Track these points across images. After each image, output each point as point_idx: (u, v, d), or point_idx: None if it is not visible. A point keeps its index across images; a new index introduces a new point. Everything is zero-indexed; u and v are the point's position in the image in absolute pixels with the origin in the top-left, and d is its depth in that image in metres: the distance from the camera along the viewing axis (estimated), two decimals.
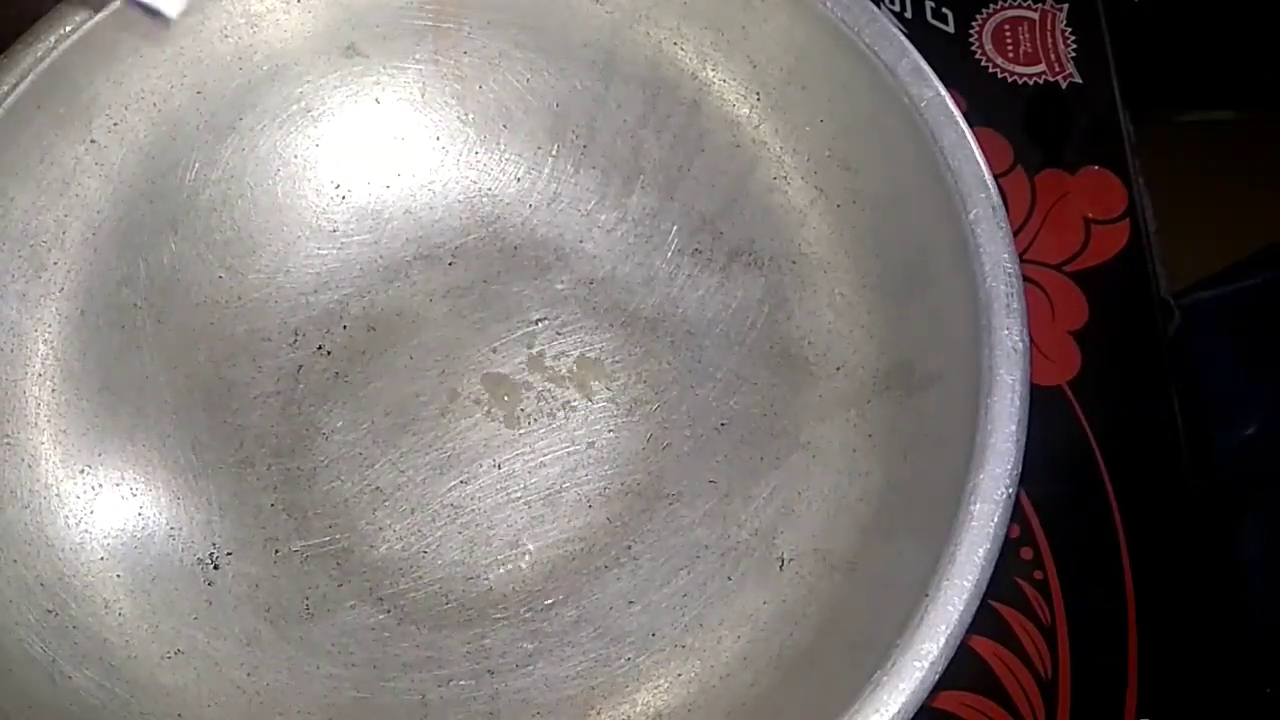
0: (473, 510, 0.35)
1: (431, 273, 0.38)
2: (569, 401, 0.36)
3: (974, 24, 0.45)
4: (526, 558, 0.34)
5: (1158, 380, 0.39)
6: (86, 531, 0.32)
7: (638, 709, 0.31)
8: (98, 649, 0.31)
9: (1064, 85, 0.44)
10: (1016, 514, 0.30)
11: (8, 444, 0.32)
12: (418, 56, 0.37)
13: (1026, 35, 0.45)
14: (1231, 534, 0.44)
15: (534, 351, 0.37)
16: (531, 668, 0.32)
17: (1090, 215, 0.41)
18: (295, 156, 0.37)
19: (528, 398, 0.36)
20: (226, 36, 0.35)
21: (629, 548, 0.34)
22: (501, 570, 0.34)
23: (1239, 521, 0.45)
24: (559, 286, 0.38)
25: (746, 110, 0.36)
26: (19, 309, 0.33)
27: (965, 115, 0.31)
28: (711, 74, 0.36)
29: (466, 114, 0.38)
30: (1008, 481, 0.27)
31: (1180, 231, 0.48)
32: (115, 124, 0.34)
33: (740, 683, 0.31)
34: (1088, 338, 0.39)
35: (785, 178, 0.36)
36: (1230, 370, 0.47)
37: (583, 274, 0.38)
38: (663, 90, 0.36)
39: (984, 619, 0.30)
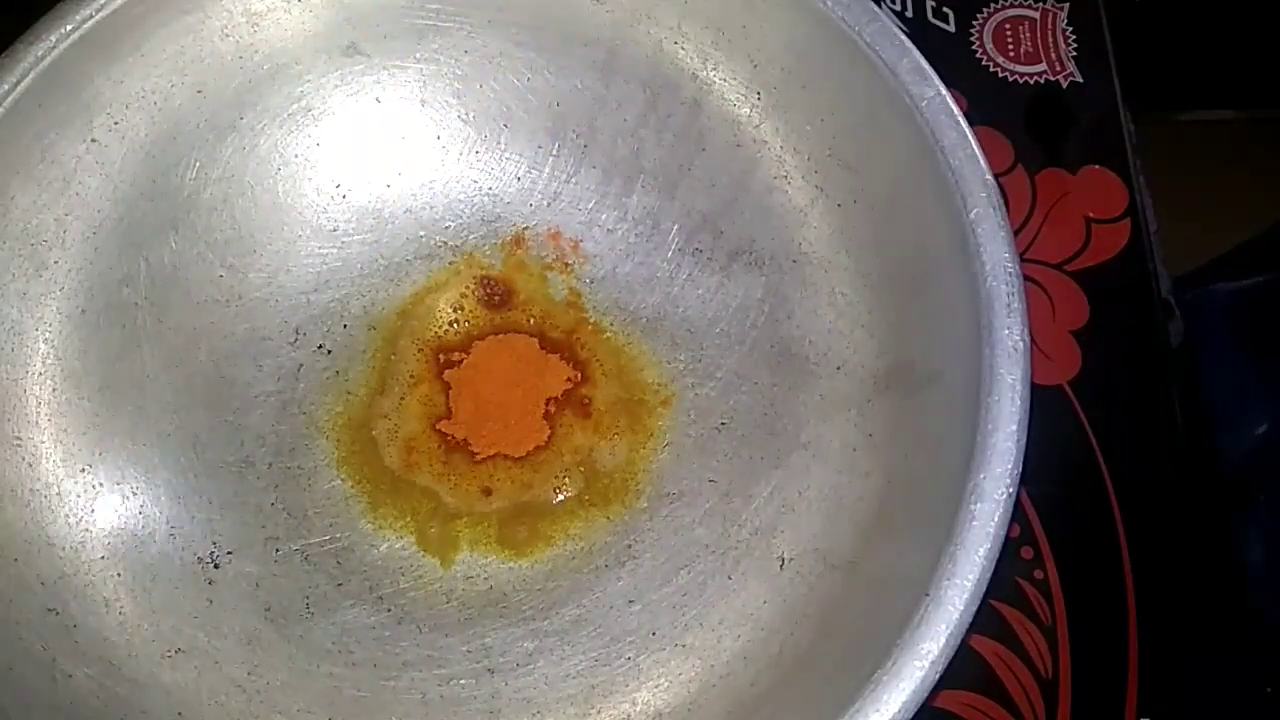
0: None
1: (432, 272, 0.38)
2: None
3: (975, 23, 0.45)
4: (527, 557, 0.34)
5: (1158, 380, 0.39)
6: (87, 530, 0.32)
7: (638, 708, 0.31)
8: (98, 648, 0.31)
9: (1065, 85, 0.44)
10: (1017, 514, 0.30)
11: (8, 443, 0.32)
12: (418, 56, 0.37)
13: (1027, 34, 0.45)
14: (1232, 533, 0.44)
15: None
16: (532, 667, 0.32)
17: (1091, 215, 0.41)
18: (296, 156, 0.37)
19: None
20: (227, 35, 0.35)
21: (629, 547, 0.34)
22: (501, 569, 0.34)
23: (1241, 521, 0.45)
24: (558, 285, 0.38)
25: (747, 110, 0.36)
26: (20, 308, 0.33)
27: (966, 115, 0.31)
28: (712, 73, 0.36)
29: (467, 113, 0.38)
30: (1008, 481, 0.27)
31: (1181, 231, 0.48)
32: (116, 123, 0.34)
33: (740, 682, 0.31)
34: (1088, 337, 0.39)
35: (786, 177, 0.36)
36: (1240, 368, 0.47)
37: (583, 273, 0.38)
38: (663, 90, 0.36)
39: (984, 618, 0.30)
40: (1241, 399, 0.46)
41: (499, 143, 0.38)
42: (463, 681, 0.32)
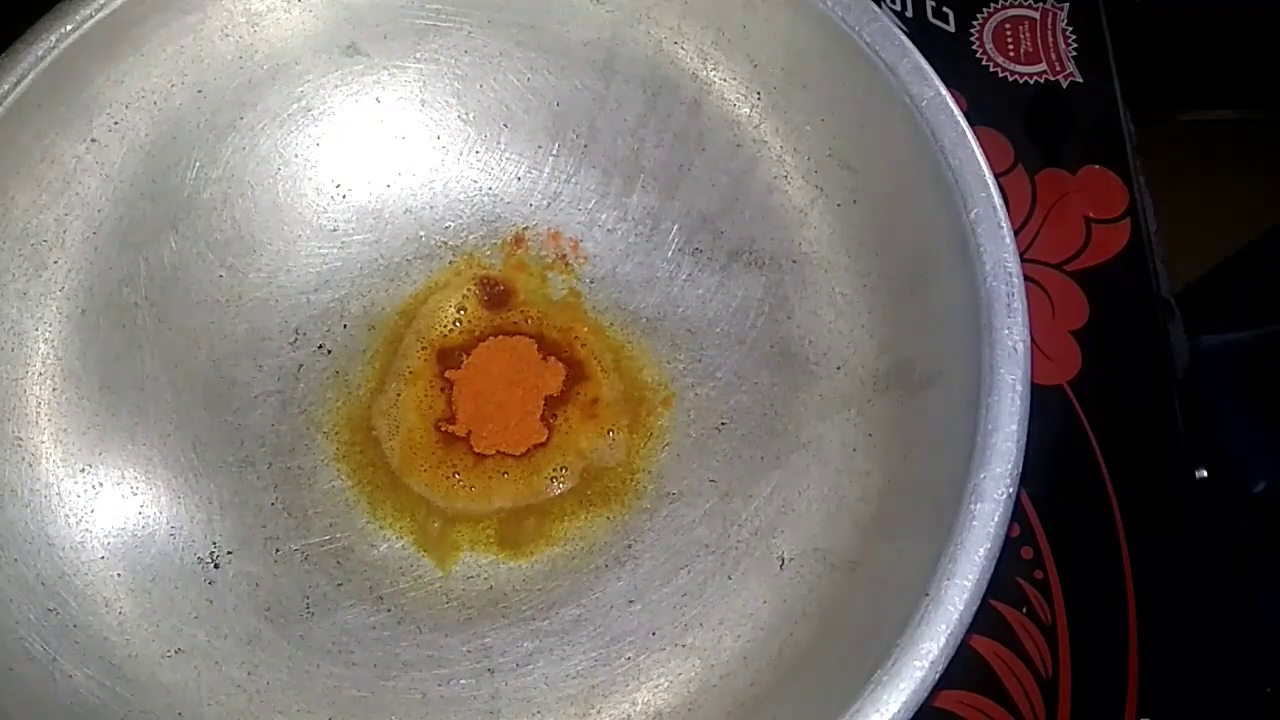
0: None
1: (432, 272, 0.38)
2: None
3: (975, 23, 0.45)
4: (527, 557, 0.34)
5: (1158, 380, 0.39)
6: (87, 530, 0.32)
7: (638, 708, 0.31)
8: (98, 647, 0.31)
9: (1065, 84, 0.44)
10: (1017, 513, 0.30)
11: (8, 443, 0.32)
12: (418, 56, 0.37)
13: (1027, 34, 0.45)
14: (1233, 534, 0.44)
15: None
16: (532, 667, 0.32)
17: (1091, 214, 0.41)
18: (296, 156, 0.37)
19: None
20: (227, 35, 0.35)
21: (629, 547, 0.34)
22: (501, 569, 0.34)
23: (1240, 521, 0.45)
24: (558, 285, 0.38)
25: (747, 110, 0.36)
26: (20, 308, 0.33)
27: (966, 114, 0.31)
28: (712, 73, 0.36)
29: (467, 113, 0.38)
30: (1008, 481, 0.27)
31: (1181, 231, 0.48)
32: (116, 123, 0.34)
33: (740, 682, 0.31)
34: (1088, 337, 0.39)
35: (786, 177, 0.36)
36: (1243, 426, 0.46)
37: (583, 273, 0.38)
38: (663, 90, 0.36)
39: (984, 618, 0.30)
40: (1243, 456, 0.45)
41: (499, 143, 0.38)
42: (463, 681, 0.32)
